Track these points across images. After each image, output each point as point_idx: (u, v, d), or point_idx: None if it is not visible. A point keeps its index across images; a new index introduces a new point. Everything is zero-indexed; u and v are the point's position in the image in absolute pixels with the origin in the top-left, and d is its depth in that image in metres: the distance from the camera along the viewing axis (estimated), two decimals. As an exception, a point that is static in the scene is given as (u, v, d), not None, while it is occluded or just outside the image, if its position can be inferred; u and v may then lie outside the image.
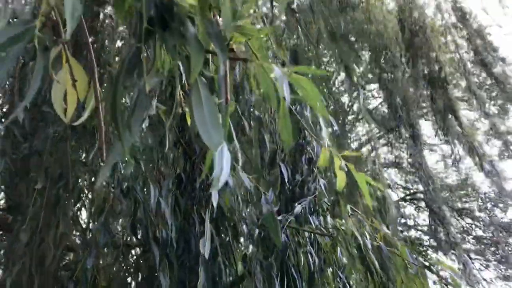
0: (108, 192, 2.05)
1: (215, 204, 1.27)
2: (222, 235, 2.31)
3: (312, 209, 2.64)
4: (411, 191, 8.75)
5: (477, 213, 9.00)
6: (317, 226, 2.53)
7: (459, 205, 8.80)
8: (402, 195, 8.93)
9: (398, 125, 5.88)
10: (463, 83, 7.69)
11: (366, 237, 2.40)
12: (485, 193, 8.78)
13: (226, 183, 1.86)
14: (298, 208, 2.47)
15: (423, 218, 9.09)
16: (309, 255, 2.25)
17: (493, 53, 6.87)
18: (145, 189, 2.11)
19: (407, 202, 8.81)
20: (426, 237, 9.17)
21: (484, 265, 8.97)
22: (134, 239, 2.63)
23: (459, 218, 8.84)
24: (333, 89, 6.49)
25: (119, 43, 3.01)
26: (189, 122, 1.15)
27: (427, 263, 2.75)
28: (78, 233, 3.09)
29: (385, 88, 6.50)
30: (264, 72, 0.92)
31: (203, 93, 0.79)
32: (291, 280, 2.11)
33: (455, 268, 3.44)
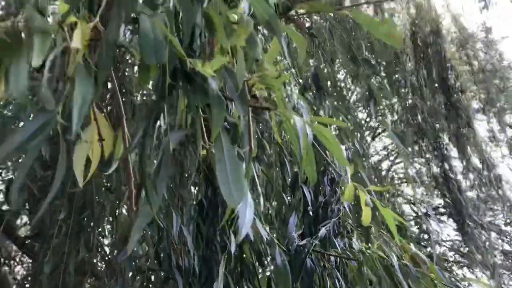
0: (131, 220, 2.05)
1: (233, 250, 1.27)
2: (245, 258, 2.29)
3: (336, 231, 2.60)
4: (434, 205, 8.58)
5: (504, 227, 8.77)
6: (342, 248, 2.49)
7: (486, 219, 8.59)
8: (424, 210, 8.77)
9: (419, 139, 5.82)
10: (481, 95, 7.61)
11: (393, 258, 2.34)
12: (510, 206, 8.56)
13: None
14: (322, 231, 2.44)
15: (447, 233, 8.89)
16: (336, 279, 2.21)
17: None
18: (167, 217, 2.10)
19: (431, 217, 8.63)
20: (451, 253, 8.95)
21: (513, 280, 8.69)
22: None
23: (485, 232, 8.62)
24: (350, 104, 6.47)
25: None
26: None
27: (457, 283, 2.67)
28: (100, 259, 3.10)
29: (403, 102, 6.45)
30: (288, 122, 0.93)
31: (226, 148, 0.80)
32: (318, 305, 2.07)
33: (489, 284, 3.34)
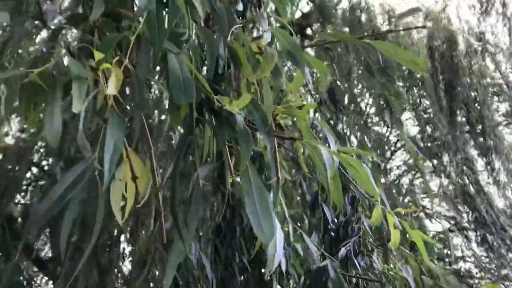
0: (151, 243, 2.03)
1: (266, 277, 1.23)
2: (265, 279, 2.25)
3: (357, 251, 2.54)
4: (457, 220, 8.37)
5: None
6: (363, 268, 2.43)
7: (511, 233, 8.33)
8: (447, 225, 8.56)
9: (441, 152, 5.72)
10: (503, 107, 7.49)
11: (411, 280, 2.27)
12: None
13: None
14: (342, 251, 2.39)
15: (471, 248, 8.64)
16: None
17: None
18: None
19: (454, 232, 8.42)
20: (476, 269, 8.68)
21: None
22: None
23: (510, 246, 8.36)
24: (369, 120, 6.43)
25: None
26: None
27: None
28: (120, 282, 3.08)
29: (422, 115, 6.38)
30: (314, 152, 0.92)
31: (253, 180, 0.78)
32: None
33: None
